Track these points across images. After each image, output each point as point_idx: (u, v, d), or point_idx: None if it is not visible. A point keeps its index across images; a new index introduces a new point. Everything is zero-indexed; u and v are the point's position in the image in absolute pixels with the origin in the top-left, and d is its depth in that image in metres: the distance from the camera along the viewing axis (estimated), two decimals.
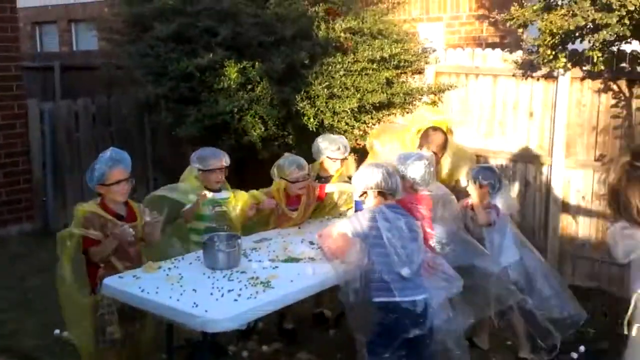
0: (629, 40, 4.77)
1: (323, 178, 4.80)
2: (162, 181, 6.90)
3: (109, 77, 7.37)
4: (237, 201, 4.28)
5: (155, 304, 3.24)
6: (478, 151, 5.97)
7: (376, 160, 4.59)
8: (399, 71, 6.34)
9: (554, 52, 4.98)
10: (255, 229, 4.45)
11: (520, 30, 5.13)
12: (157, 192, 4.29)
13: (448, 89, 6.22)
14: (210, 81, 5.88)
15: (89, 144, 7.43)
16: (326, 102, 5.87)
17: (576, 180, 5.58)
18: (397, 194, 3.61)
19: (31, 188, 7.13)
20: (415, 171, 3.87)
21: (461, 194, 4.68)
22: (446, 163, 4.92)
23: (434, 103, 6.29)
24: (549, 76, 5.61)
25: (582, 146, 5.56)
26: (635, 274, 2.66)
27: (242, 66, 5.83)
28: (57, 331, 4.59)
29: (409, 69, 6.38)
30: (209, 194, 4.24)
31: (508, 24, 5.26)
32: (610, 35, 4.47)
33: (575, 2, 4.62)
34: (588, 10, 4.49)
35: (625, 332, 2.69)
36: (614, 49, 5.02)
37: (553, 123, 5.65)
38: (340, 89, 5.92)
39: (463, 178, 5.03)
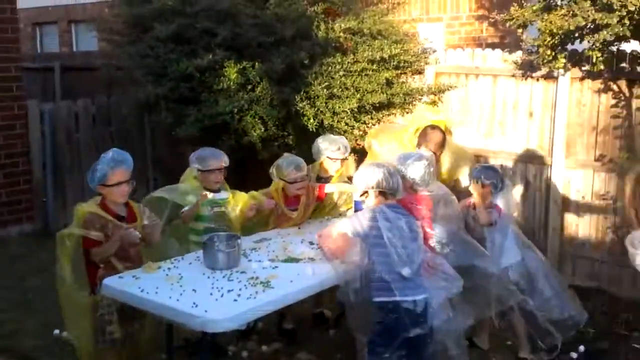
0: (628, 40, 4.77)
1: (323, 178, 4.80)
2: (161, 181, 6.91)
3: (109, 78, 7.38)
4: (237, 202, 4.27)
5: (155, 304, 3.23)
6: (478, 151, 5.97)
7: (375, 160, 4.59)
8: (399, 72, 6.34)
9: (553, 53, 4.98)
10: (255, 229, 4.45)
11: (520, 30, 5.13)
12: (155, 194, 4.28)
13: (448, 89, 6.22)
14: (210, 81, 5.89)
15: (89, 145, 7.43)
16: (326, 103, 5.87)
17: (576, 180, 5.58)
18: (398, 193, 3.61)
19: (31, 189, 7.13)
20: (415, 171, 3.87)
21: (461, 193, 4.68)
22: (445, 162, 4.92)
23: (434, 103, 6.29)
24: (548, 76, 5.61)
25: (582, 146, 5.56)
26: None
27: (241, 66, 5.83)
28: (56, 331, 4.59)
29: (409, 69, 6.39)
30: (209, 195, 4.24)
31: (508, 24, 5.25)
32: (610, 35, 4.46)
33: (576, 2, 4.62)
34: (588, 11, 4.48)
35: None
36: (614, 49, 5.02)
37: (553, 123, 5.65)
38: (340, 89, 5.92)
39: (463, 178, 5.03)
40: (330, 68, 5.93)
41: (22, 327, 4.82)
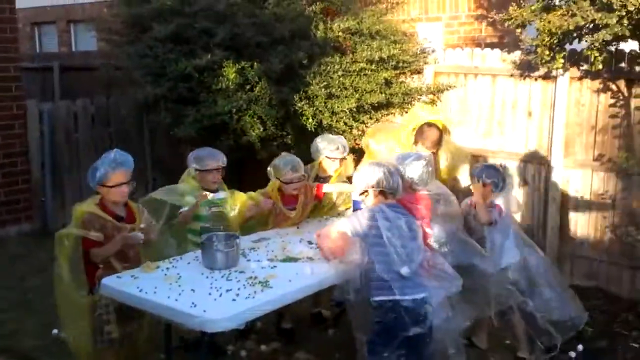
0: (626, 39, 4.77)
1: (322, 178, 4.80)
2: (161, 181, 6.90)
3: (108, 78, 7.39)
4: (235, 202, 4.27)
5: (154, 304, 3.23)
6: (477, 151, 5.97)
7: (372, 159, 4.59)
8: (398, 71, 6.34)
9: (552, 53, 4.98)
10: (254, 229, 4.45)
11: (519, 30, 5.13)
12: (154, 195, 4.26)
13: (447, 89, 6.22)
14: (209, 81, 5.89)
15: (87, 145, 7.43)
16: (325, 102, 5.87)
17: (575, 180, 5.58)
18: (398, 193, 3.60)
19: (30, 188, 7.13)
20: (414, 171, 3.87)
21: (460, 193, 4.68)
22: (442, 159, 4.92)
23: (432, 102, 6.29)
24: (547, 76, 5.61)
25: (581, 146, 5.56)
26: None
27: (240, 66, 5.83)
28: (55, 331, 4.57)
29: (408, 69, 6.39)
30: (209, 195, 4.23)
31: (507, 24, 5.26)
32: (609, 35, 4.46)
33: (575, 2, 4.62)
34: (588, 10, 4.48)
35: None
36: (612, 48, 5.03)
37: (552, 123, 5.65)
38: (339, 89, 5.92)
39: (462, 177, 5.03)
40: (328, 68, 5.93)
41: (22, 327, 4.82)
